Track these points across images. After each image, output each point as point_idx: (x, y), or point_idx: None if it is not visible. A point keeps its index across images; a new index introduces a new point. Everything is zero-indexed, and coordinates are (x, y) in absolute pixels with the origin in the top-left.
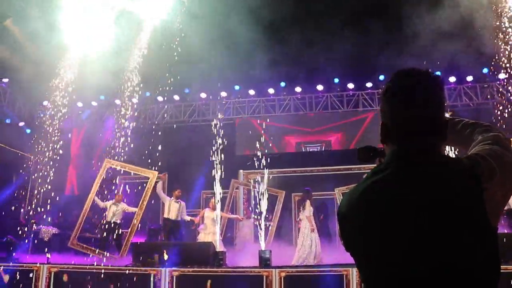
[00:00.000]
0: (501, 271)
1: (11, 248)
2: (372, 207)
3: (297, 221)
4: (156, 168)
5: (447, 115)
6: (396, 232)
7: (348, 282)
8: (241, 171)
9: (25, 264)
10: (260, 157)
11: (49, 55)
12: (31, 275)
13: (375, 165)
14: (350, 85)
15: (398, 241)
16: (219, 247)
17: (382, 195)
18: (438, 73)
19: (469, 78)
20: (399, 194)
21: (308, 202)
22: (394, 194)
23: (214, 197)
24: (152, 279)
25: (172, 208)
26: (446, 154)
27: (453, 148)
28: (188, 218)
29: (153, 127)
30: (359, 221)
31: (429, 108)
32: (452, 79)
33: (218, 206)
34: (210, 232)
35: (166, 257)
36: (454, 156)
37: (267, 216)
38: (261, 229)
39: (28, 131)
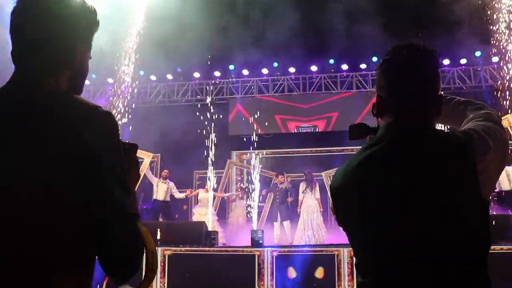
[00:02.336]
0: (490, 251)
1: None
2: (366, 181)
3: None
4: (148, 148)
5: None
6: (388, 204)
7: (340, 262)
8: (234, 151)
9: None
10: (253, 138)
11: None
12: None
13: None
14: (344, 67)
15: (390, 214)
16: (214, 227)
17: (376, 169)
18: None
19: (463, 61)
20: (393, 167)
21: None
22: (389, 167)
23: (209, 178)
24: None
25: (160, 189)
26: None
27: (444, 126)
28: (181, 195)
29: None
30: (353, 196)
31: (424, 82)
32: (446, 61)
33: (211, 186)
34: (204, 212)
35: (159, 236)
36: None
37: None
38: (252, 209)
39: None
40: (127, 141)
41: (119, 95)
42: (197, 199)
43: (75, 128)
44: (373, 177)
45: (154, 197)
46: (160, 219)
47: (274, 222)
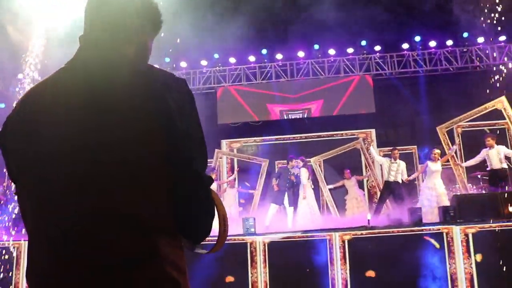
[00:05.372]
0: (474, 230)
1: None
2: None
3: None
4: None
5: None
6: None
7: (332, 246)
8: (223, 140)
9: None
10: (242, 126)
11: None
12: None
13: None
14: (331, 51)
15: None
16: None
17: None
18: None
19: (449, 43)
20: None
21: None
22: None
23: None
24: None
25: None
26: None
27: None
28: None
29: None
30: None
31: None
32: (433, 43)
33: None
34: None
35: None
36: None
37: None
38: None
39: (2, 105)
40: None
41: None
42: None
43: (157, 94)
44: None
45: None
46: None
47: (272, 204)
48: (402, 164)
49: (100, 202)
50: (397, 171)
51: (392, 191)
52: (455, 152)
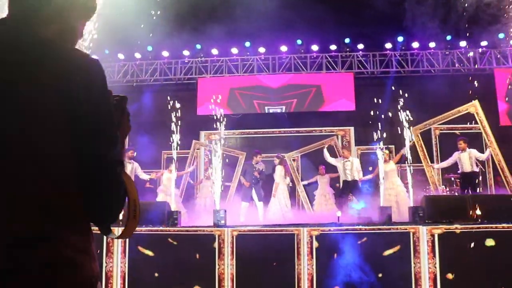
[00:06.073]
0: (439, 230)
1: None
2: None
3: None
4: None
5: None
6: None
7: (299, 241)
8: (202, 131)
9: None
10: (221, 118)
11: None
12: None
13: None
14: (314, 47)
15: None
16: (179, 208)
17: None
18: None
19: (432, 45)
20: None
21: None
22: None
23: (174, 160)
24: (104, 238)
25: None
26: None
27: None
28: (146, 176)
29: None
30: None
31: None
32: (415, 44)
33: (174, 167)
34: (169, 193)
35: (121, 217)
36: None
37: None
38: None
39: None
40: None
41: None
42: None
43: (66, 75)
44: None
45: None
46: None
47: (243, 202)
48: (355, 161)
49: None
50: (352, 169)
51: (351, 189)
52: (431, 153)
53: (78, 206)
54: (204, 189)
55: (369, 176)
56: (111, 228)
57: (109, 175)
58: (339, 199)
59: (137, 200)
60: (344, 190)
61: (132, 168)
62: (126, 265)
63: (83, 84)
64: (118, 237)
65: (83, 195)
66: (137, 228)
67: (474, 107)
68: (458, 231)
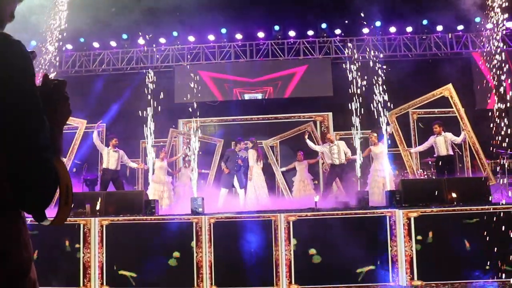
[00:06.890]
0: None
1: None
2: None
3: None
4: (92, 118)
5: None
6: None
7: (276, 227)
8: (180, 120)
9: None
10: (199, 106)
11: None
12: None
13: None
14: (292, 33)
15: None
16: (171, 196)
17: None
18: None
19: (409, 29)
20: None
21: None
22: None
23: (164, 148)
24: (82, 229)
25: (111, 158)
26: None
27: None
28: (134, 165)
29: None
30: None
31: None
32: (393, 29)
33: (150, 156)
34: (163, 182)
35: (98, 207)
36: None
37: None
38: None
39: None
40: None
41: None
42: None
43: None
44: None
45: (104, 166)
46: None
47: (222, 188)
48: (341, 144)
49: None
50: (339, 152)
51: (338, 173)
52: (409, 138)
53: (7, 194)
54: (183, 177)
55: (358, 157)
56: (45, 214)
57: (35, 161)
58: (326, 184)
59: (70, 185)
60: (331, 175)
61: (118, 156)
62: (104, 255)
63: (3, 65)
64: (50, 224)
65: (12, 182)
66: (112, 219)
67: (448, 90)
68: (433, 213)
